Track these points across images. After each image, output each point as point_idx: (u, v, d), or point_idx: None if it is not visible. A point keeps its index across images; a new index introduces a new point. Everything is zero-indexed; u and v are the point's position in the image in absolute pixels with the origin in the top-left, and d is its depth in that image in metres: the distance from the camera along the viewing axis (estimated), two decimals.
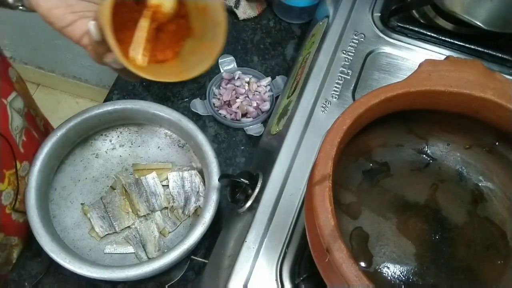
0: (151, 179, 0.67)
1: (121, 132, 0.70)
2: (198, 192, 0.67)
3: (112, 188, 0.68)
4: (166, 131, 0.71)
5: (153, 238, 0.65)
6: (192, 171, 0.68)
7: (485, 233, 0.46)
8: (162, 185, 0.68)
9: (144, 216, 0.67)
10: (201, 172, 0.68)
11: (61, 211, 0.65)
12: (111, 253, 0.64)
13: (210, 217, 0.59)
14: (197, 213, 0.67)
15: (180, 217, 0.67)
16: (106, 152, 0.70)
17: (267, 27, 0.85)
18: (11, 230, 0.61)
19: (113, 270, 0.55)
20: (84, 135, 0.67)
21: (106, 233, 0.65)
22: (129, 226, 0.66)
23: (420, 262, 0.45)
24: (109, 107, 0.66)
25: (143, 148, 0.71)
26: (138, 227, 0.66)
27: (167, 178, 0.68)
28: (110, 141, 0.70)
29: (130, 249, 0.65)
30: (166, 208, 0.67)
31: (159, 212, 0.67)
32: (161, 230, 0.66)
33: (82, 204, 0.67)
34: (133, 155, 0.71)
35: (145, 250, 0.64)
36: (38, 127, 0.70)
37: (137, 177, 0.69)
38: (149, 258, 0.63)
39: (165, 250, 0.58)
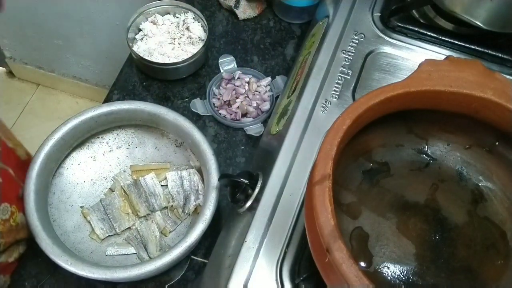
0: (149, 180, 0.67)
1: (117, 134, 0.70)
2: (197, 190, 0.67)
3: (111, 190, 0.68)
4: (163, 131, 0.70)
5: (154, 238, 0.65)
6: (191, 169, 0.68)
7: (485, 233, 0.46)
8: (161, 185, 0.68)
9: (144, 216, 0.67)
10: (199, 171, 0.68)
11: (61, 214, 0.65)
12: (112, 255, 0.64)
13: (210, 214, 0.59)
14: (197, 211, 0.67)
15: (181, 216, 0.67)
16: (104, 155, 0.69)
17: (267, 27, 0.85)
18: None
19: (115, 270, 0.55)
20: (81, 138, 0.66)
21: (107, 235, 0.65)
22: (129, 227, 0.66)
23: (420, 262, 0.45)
24: (105, 108, 0.64)
25: (140, 149, 0.71)
26: (139, 228, 0.66)
27: (165, 178, 0.68)
28: (107, 143, 0.70)
29: (132, 250, 0.65)
30: (166, 207, 0.67)
31: (159, 212, 0.67)
32: (162, 229, 0.66)
33: (81, 207, 0.66)
34: (131, 157, 0.70)
35: (146, 250, 0.64)
36: (18, 158, 0.66)
37: (135, 178, 0.68)
38: (150, 258, 0.63)
39: (167, 250, 0.58)
